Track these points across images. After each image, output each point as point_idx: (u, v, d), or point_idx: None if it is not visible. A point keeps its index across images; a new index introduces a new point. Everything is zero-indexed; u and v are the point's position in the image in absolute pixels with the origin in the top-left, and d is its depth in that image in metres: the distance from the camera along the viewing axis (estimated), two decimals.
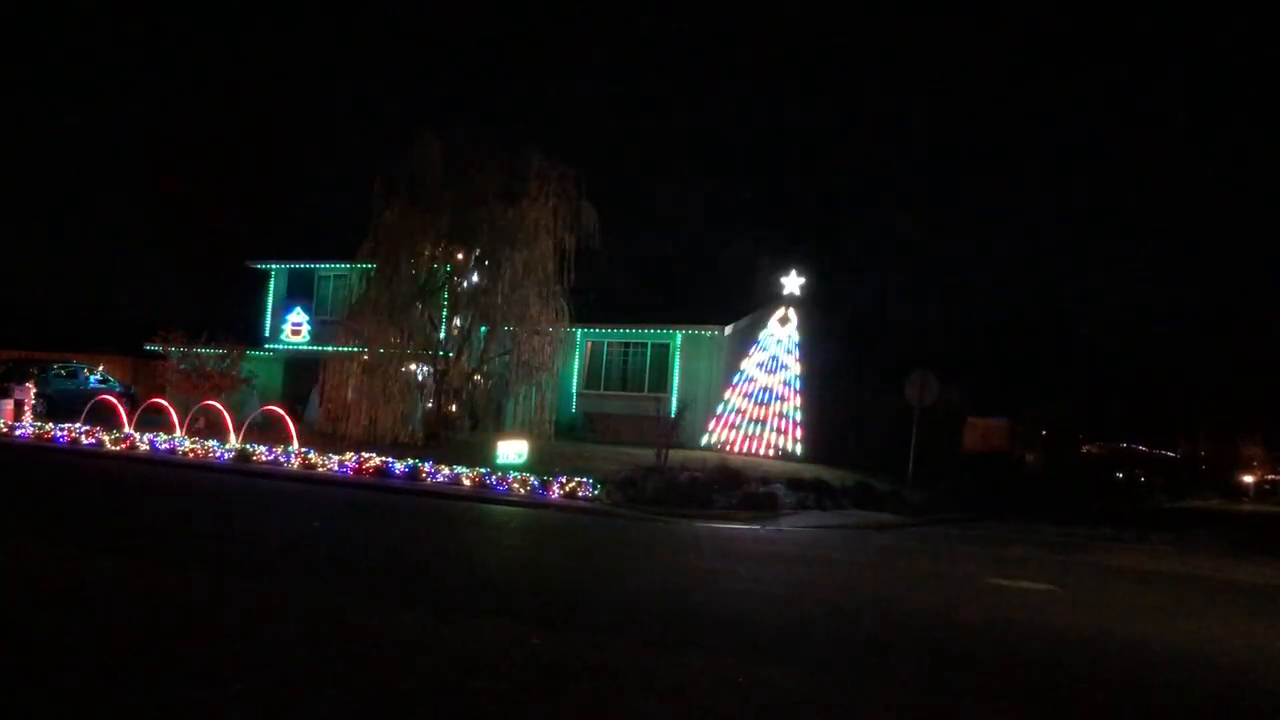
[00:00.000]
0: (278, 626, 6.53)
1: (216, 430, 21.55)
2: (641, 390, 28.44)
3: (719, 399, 27.48)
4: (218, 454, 19.87)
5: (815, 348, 29.24)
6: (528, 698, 5.23)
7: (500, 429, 23.22)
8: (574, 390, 29.05)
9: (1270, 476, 70.70)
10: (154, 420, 22.33)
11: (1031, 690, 6.44)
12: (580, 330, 28.09)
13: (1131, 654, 7.83)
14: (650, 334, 28.83)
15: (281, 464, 19.35)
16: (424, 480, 18.40)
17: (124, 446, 20.51)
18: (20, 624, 6.07)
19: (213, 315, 32.80)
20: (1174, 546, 19.77)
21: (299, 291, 31.85)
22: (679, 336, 28.43)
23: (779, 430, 27.29)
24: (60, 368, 28.91)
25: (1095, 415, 56.93)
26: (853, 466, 25.29)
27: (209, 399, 23.59)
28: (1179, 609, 10.85)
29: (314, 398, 28.11)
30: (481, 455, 19.75)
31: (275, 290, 32.37)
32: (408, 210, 23.38)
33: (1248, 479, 66.72)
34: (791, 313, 28.20)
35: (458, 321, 24.39)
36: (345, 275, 30.04)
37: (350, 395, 23.48)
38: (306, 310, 31.13)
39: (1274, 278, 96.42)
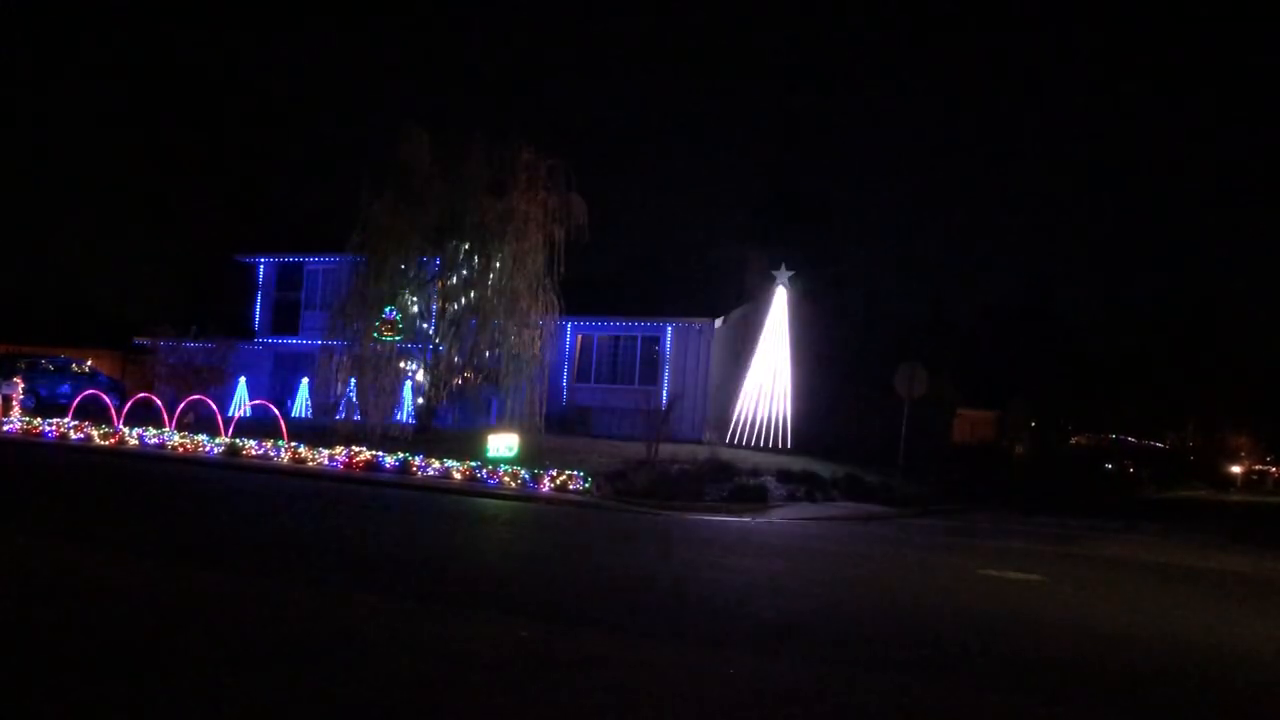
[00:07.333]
0: (266, 620, 6.52)
1: (206, 425, 21.48)
2: (632, 383, 28.41)
3: (709, 391, 27.48)
4: (207, 449, 19.80)
5: (805, 340, 29.24)
6: (520, 689, 5.24)
7: (490, 422, 23.18)
8: (564, 383, 29.01)
9: (1257, 467, 71.16)
10: (143, 415, 22.20)
11: (1023, 680, 6.48)
12: (570, 322, 28.00)
13: (1120, 643, 7.88)
14: (640, 326, 28.80)
15: (271, 458, 19.31)
16: (414, 474, 18.37)
17: (113, 442, 20.42)
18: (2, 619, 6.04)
19: (201, 309, 32.65)
20: (1163, 537, 19.90)
21: (287, 285, 31.74)
22: (669, 329, 28.39)
23: (769, 423, 27.30)
24: (48, 362, 28.63)
25: (1084, 407, 57.19)
26: (843, 459, 25.34)
27: (198, 393, 23.49)
28: (1168, 598, 10.93)
29: (303, 392, 28.04)
30: (472, 449, 19.72)
31: (264, 284, 32.26)
32: (396, 203, 23.26)
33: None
34: (781, 306, 28.17)
35: (447, 315, 24.32)
36: (334, 268, 29.91)
37: (340, 389, 23.42)
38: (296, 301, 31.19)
39: (1260, 270, 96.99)
